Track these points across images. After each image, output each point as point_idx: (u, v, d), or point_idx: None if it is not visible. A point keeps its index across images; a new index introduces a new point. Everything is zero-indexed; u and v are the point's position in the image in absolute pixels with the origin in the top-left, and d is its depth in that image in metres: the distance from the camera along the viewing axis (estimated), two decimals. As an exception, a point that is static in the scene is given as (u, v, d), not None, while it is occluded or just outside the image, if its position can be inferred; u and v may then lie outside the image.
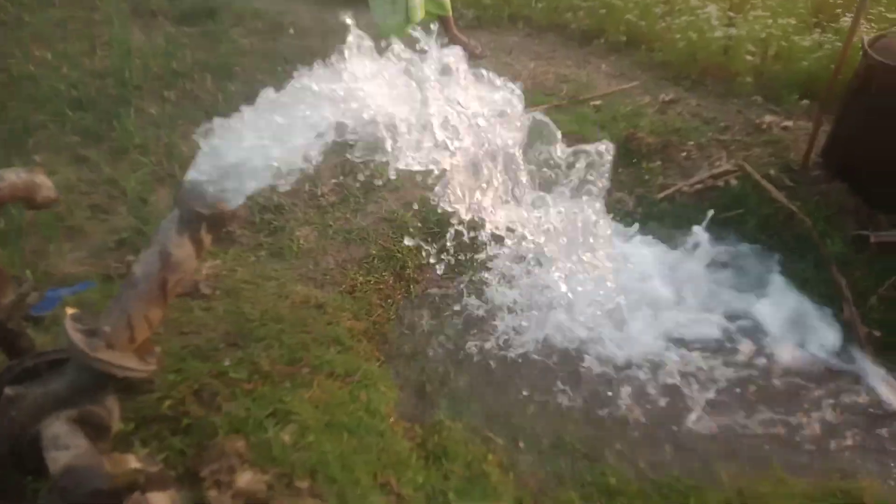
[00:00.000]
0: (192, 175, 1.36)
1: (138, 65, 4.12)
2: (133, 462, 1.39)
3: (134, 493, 1.33)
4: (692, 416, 2.23)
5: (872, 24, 3.62)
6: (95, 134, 3.47)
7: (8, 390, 1.35)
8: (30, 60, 4.13)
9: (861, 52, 2.59)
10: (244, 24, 4.94)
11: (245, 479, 1.74)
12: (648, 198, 3.08)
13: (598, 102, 3.69)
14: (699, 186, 3.02)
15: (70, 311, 2.15)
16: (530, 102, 3.68)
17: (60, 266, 2.64)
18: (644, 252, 2.81)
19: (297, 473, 1.77)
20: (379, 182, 3.13)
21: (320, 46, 4.45)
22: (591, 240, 2.36)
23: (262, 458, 1.79)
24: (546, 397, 2.31)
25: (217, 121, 1.38)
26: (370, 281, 2.71)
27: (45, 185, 1.52)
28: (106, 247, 2.77)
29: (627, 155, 3.26)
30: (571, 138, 3.37)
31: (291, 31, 4.77)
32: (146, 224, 2.82)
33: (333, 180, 3.22)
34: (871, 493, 1.88)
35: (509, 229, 2.36)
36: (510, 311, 2.64)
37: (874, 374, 2.35)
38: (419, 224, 2.94)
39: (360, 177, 3.18)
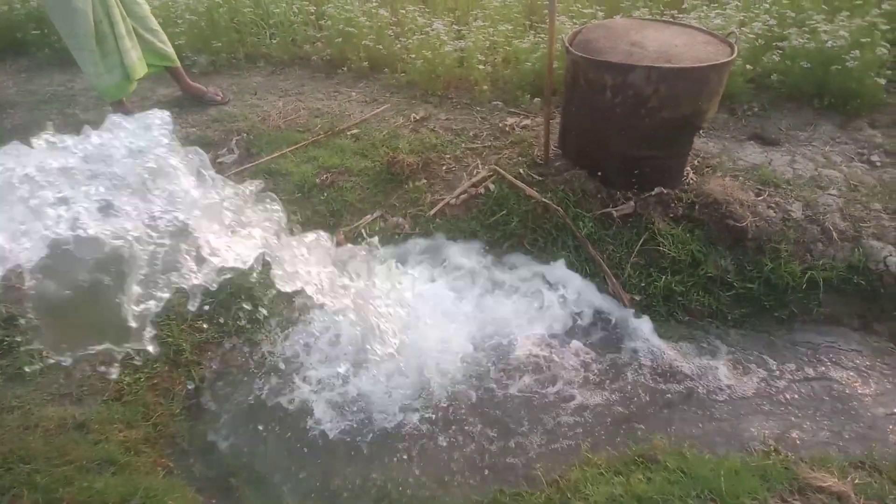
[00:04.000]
0: None
1: None
2: None
3: None
4: (505, 424, 2.28)
5: (575, 21, 4.09)
6: None
7: None
8: None
9: (564, 49, 2.87)
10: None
11: None
12: (422, 216, 3.12)
13: (355, 131, 3.67)
14: (464, 196, 3.13)
15: None
16: (286, 142, 3.55)
17: None
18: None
19: None
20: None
21: (29, 120, 3.87)
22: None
23: None
24: (359, 454, 2.20)
25: None
26: (140, 378, 2.38)
27: None
28: None
29: (393, 179, 3.27)
30: (335, 172, 3.33)
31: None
32: None
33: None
34: (662, 448, 2.06)
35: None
36: (302, 370, 2.49)
37: (644, 335, 2.62)
38: (183, 299, 2.64)
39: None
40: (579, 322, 2.68)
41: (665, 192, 2.89)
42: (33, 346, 2.45)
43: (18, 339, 2.53)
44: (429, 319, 2.58)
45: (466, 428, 2.27)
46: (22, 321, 2.60)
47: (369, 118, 3.79)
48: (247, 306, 2.70)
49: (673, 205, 2.87)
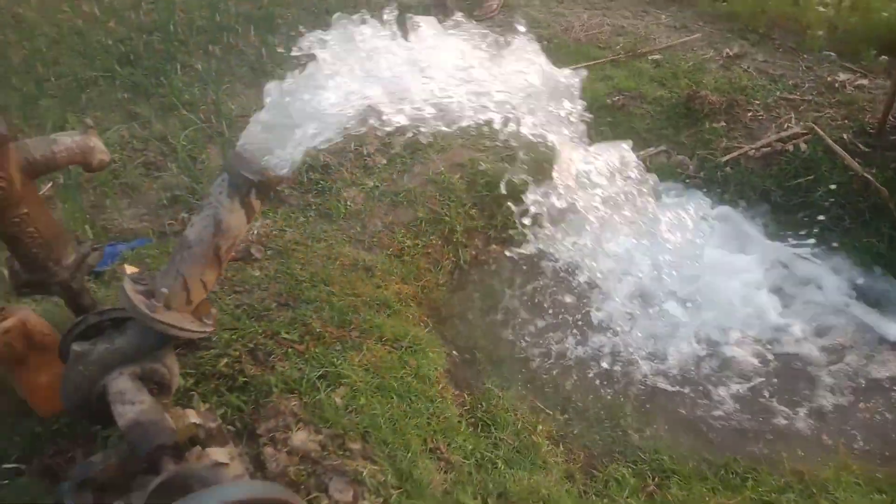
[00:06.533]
0: (242, 141, 1.33)
1: (183, 18, 4.09)
2: (192, 417, 1.42)
3: (195, 447, 1.36)
4: (748, 393, 2.16)
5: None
6: (144, 90, 3.47)
7: (76, 346, 1.39)
8: (78, 15, 4.15)
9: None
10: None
11: (300, 437, 1.77)
12: (711, 161, 2.93)
13: (657, 56, 3.51)
14: (766, 150, 2.86)
15: (129, 269, 2.18)
16: (584, 57, 3.53)
17: (117, 221, 2.68)
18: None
19: (349, 435, 1.78)
20: (425, 142, 3.07)
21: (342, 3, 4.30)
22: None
23: (316, 418, 1.80)
24: (597, 370, 2.27)
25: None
26: (418, 245, 2.68)
27: (98, 148, 1.52)
28: (160, 204, 2.79)
29: (689, 114, 3.10)
30: (628, 95, 3.24)
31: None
32: (198, 182, 2.83)
33: (378, 140, 3.16)
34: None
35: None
36: (567, 277, 2.59)
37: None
38: (465, 187, 2.87)
39: (407, 137, 3.12)
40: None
41: None
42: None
43: (330, 185, 2.99)
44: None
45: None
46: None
47: (676, 45, 3.58)
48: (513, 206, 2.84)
49: None
